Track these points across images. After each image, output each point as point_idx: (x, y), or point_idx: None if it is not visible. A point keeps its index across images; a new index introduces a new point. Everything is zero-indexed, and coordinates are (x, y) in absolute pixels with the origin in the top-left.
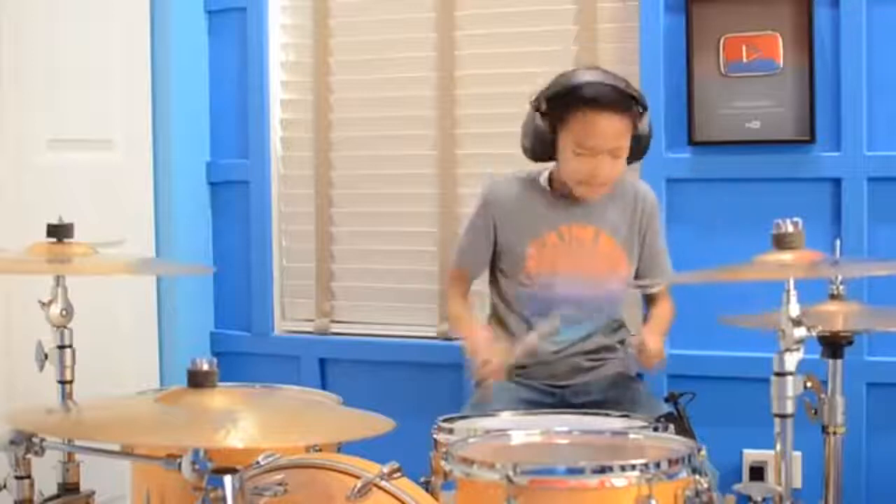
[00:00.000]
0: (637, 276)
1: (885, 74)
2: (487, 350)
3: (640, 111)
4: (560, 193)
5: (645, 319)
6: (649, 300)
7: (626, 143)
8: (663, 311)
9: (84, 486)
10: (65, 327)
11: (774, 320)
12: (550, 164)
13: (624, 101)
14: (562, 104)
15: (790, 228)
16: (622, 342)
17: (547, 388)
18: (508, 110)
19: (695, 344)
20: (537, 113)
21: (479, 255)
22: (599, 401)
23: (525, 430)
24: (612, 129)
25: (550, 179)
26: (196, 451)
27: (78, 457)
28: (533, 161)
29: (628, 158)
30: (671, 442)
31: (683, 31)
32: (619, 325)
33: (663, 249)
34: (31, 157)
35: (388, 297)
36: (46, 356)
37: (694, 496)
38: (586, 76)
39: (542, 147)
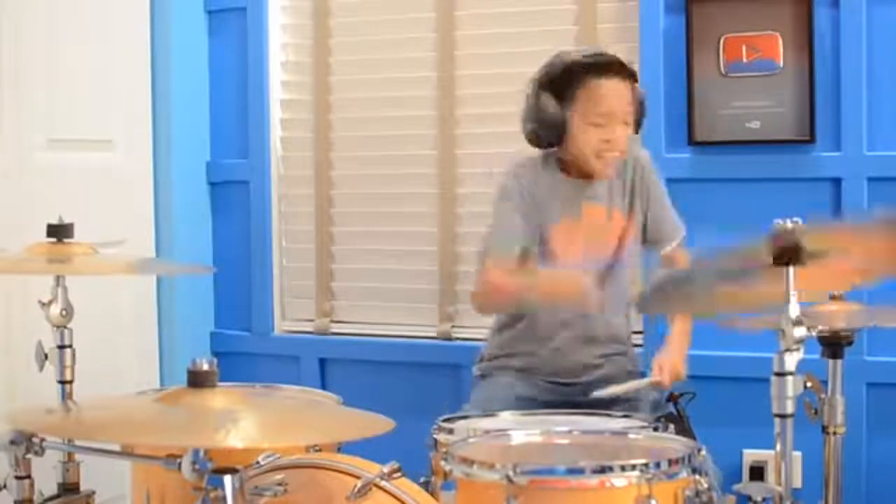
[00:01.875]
0: (647, 238)
1: (885, 74)
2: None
3: (635, 80)
4: (572, 176)
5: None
6: (670, 265)
7: (632, 110)
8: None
9: (84, 486)
10: (65, 327)
11: (774, 320)
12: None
13: (622, 67)
14: (568, 79)
15: (790, 228)
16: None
17: (550, 386)
18: (508, 110)
19: (695, 344)
20: (544, 95)
21: (518, 234)
22: (605, 399)
23: (525, 430)
24: (620, 93)
25: (561, 163)
26: (196, 451)
27: (78, 457)
28: (538, 148)
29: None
30: (671, 442)
31: (683, 31)
32: (625, 312)
33: (670, 210)
34: (31, 157)
35: (388, 297)
36: (46, 356)
37: (694, 496)
38: (582, 52)
39: (550, 130)
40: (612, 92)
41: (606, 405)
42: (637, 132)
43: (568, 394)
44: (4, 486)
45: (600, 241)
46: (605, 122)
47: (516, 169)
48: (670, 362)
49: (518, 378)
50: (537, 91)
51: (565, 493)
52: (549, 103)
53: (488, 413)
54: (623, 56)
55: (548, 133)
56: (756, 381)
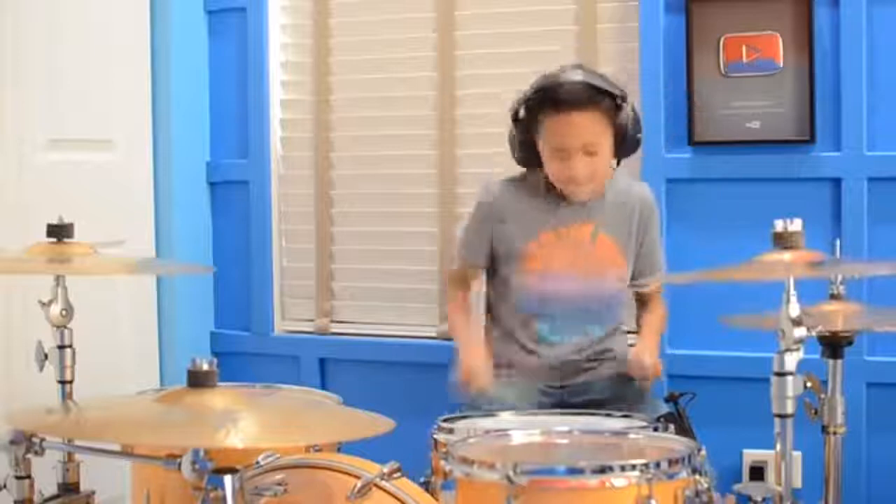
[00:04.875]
0: (633, 275)
1: (885, 74)
2: (477, 373)
3: (617, 105)
4: (557, 193)
5: (637, 322)
6: (642, 301)
7: (601, 140)
8: (656, 317)
9: (84, 486)
10: (65, 327)
11: (774, 320)
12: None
13: (591, 97)
14: (533, 109)
15: (790, 228)
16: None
17: (546, 388)
18: (508, 110)
19: (695, 344)
20: (516, 124)
21: (479, 255)
22: (598, 400)
23: (525, 430)
24: (579, 127)
25: (546, 180)
26: (196, 451)
27: (78, 457)
28: (527, 168)
29: (618, 154)
30: (671, 442)
31: (683, 31)
32: (616, 329)
33: (659, 248)
34: (31, 157)
35: (388, 297)
36: (46, 356)
37: (694, 496)
38: (560, 77)
39: (528, 155)
40: (566, 127)
41: (600, 405)
42: (628, 154)
43: (559, 395)
44: (4, 486)
45: (580, 258)
46: (562, 155)
47: (489, 188)
48: (649, 359)
49: (510, 380)
50: (514, 117)
51: (565, 493)
52: (521, 133)
53: (488, 413)
54: (623, 56)
55: (529, 159)
56: (756, 381)
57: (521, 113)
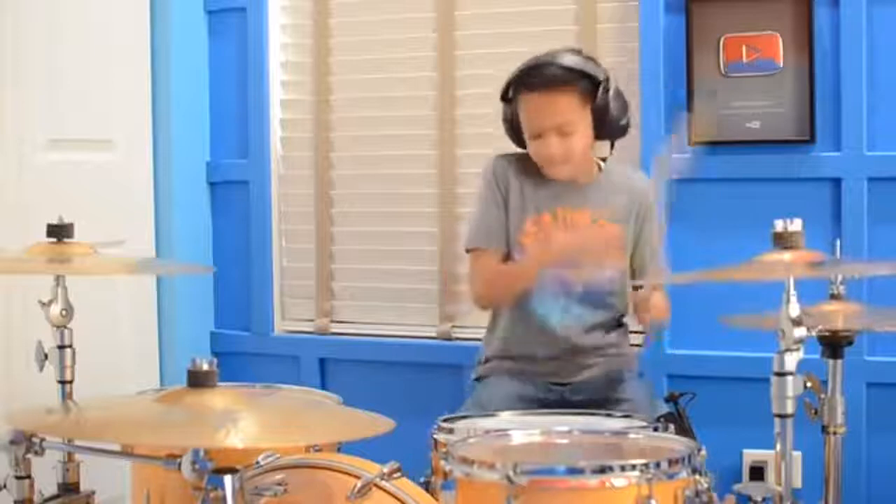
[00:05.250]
0: (633, 267)
1: (885, 74)
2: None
3: (596, 85)
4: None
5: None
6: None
7: (576, 121)
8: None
9: (84, 486)
10: (65, 327)
11: (774, 320)
12: None
13: (564, 79)
14: (511, 92)
15: (790, 228)
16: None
17: (547, 386)
18: None
19: (695, 344)
20: (504, 105)
21: (501, 226)
22: (599, 399)
23: (525, 430)
24: (552, 107)
25: None
26: (196, 451)
27: (78, 457)
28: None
29: (604, 137)
30: (671, 442)
31: (683, 31)
32: (618, 323)
33: (660, 243)
34: (31, 157)
35: (388, 297)
36: (46, 356)
37: (694, 496)
38: (542, 59)
39: (515, 135)
40: (536, 107)
41: (600, 405)
42: (613, 136)
43: (562, 393)
44: (4, 486)
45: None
46: (536, 135)
47: (496, 160)
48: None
49: (514, 379)
50: (502, 98)
51: (565, 493)
52: (507, 113)
53: (488, 413)
54: (623, 56)
55: (518, 139)
56: (756, 381)
57: (510, 93)
